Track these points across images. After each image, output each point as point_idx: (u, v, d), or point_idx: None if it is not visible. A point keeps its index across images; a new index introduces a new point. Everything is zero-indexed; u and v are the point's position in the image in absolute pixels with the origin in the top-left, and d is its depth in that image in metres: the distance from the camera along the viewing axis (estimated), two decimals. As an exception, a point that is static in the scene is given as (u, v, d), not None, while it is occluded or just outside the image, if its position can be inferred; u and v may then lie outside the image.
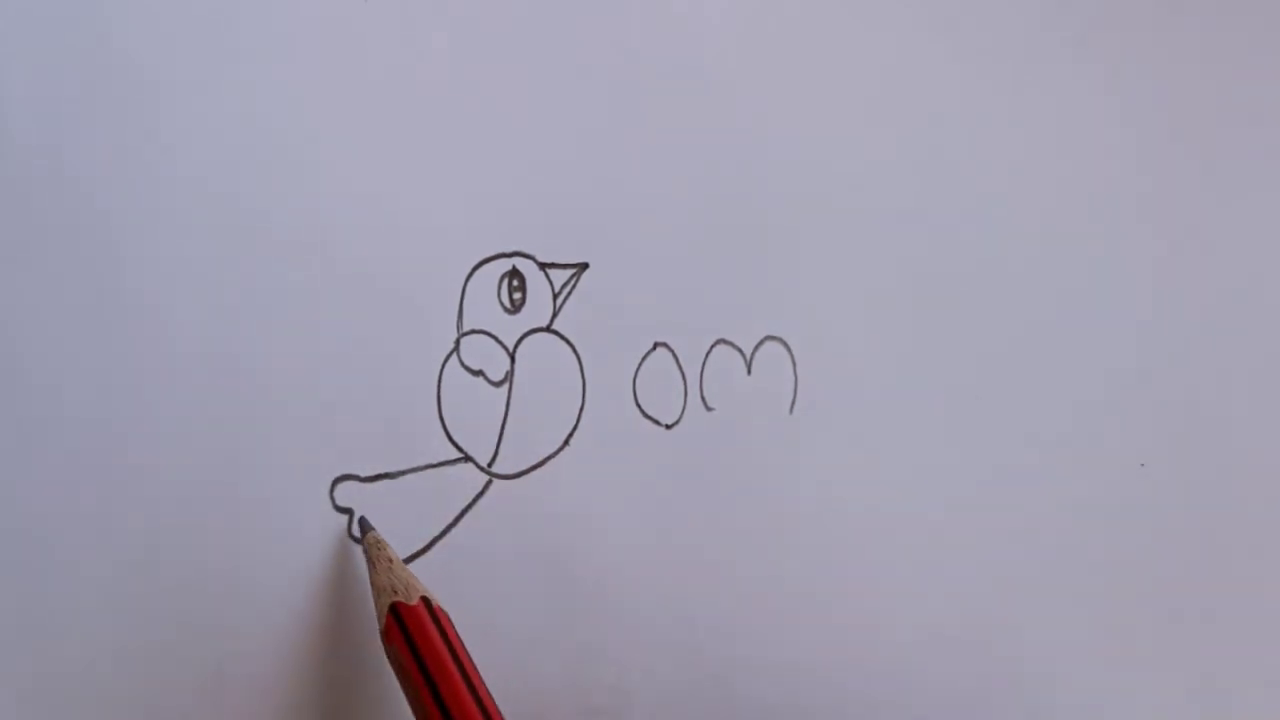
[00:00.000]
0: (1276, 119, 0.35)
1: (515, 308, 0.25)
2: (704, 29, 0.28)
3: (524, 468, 0.25)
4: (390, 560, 0.22)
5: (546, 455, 0.26)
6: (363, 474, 0.23)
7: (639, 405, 0.27)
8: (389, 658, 0.22)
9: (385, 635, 0.22)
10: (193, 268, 0.22)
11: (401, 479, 0.24)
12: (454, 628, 0.22)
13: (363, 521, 0.23)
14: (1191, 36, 0.34)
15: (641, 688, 0.26)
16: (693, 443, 0.27)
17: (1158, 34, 0.33)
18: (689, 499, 0.27)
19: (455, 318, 0.25)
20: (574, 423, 0.26)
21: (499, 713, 0.22)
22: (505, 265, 0.25)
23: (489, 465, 0.25)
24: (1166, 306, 0.33)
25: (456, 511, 0.25)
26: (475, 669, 0.22)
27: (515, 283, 0.25)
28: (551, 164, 0.26)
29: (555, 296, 0.26)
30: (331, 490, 0.23)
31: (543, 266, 0.26)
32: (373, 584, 0.22)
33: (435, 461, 0.24)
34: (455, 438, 0.24)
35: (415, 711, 0.22)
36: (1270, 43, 0.35)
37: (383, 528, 0.23)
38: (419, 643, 0.21)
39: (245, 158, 0.23)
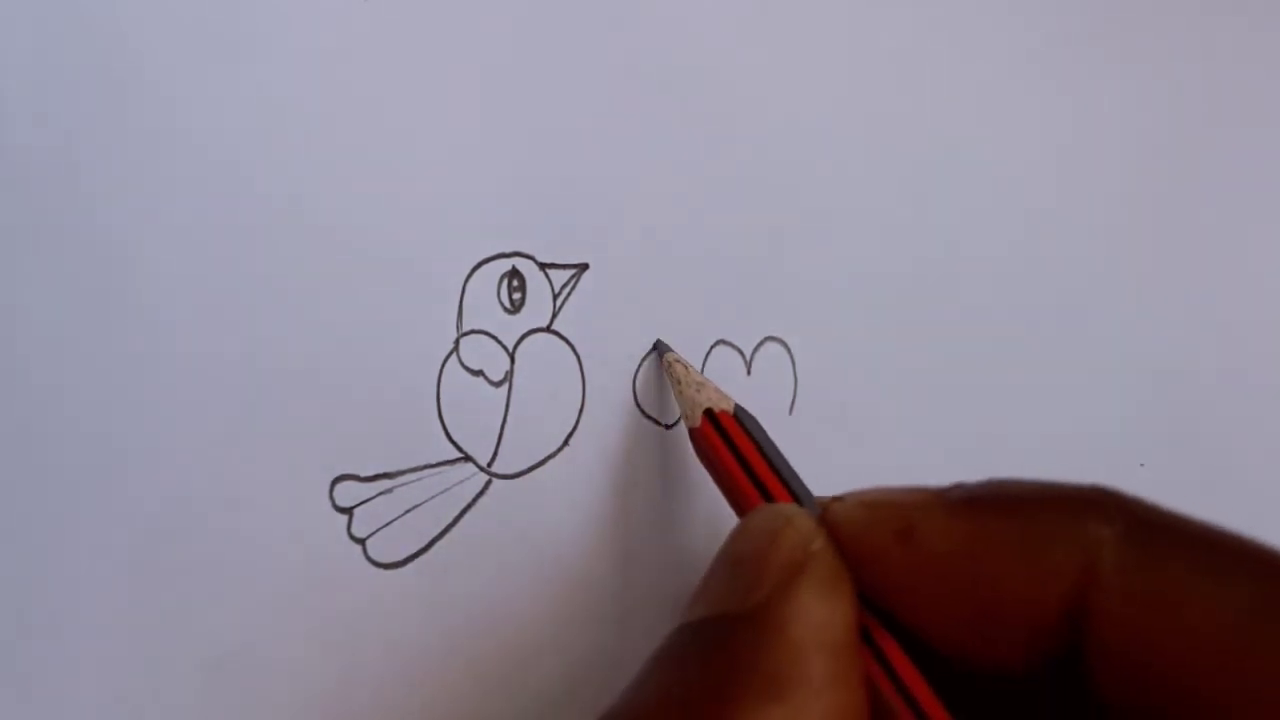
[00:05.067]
0: (1277, 119, 0.35)
1: (515, 308, 0.25)
2: (705, 29, 0.28)
3: (524, 468, 0.25)
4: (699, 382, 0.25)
5: (546, 455, 0.26)
6: (362, 474, 0.23)
7: (639, 405, 0.27)
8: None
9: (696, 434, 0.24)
10: (191, 268, 0.22)
11: (401, 479, 0.24)
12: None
13: (660, 344, 0.26)
14: (1192, 36, 0.34)
15: (641, 688, 0.26)
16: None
17: (1158, 35, 0.33)
18: (689, 499, 0.27)
19: (455, 318, 0.25)
20: (574, 423, 0.26)
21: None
22: (505, 265, 0.25)
23: (489, 465, 0.25)
24: (1167, 307, 0.33)
25: (456, 511, 0.25)
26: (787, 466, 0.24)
27: (515, 283, 0.25)
28: (551, 164, 0.26)
29: (555, 296, 0.26)
30: (331, 490, 0.23)
31: (543, 266, 0.26)
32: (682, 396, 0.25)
33: (435, 461, 0.24)
34: (455, 438, 0.24)
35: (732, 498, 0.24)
36: (1271, 42, 0.35)
37: (382, 527, 0.23)
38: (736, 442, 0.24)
39: (242, 159, 0.23)
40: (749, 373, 0.28)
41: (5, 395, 0.21)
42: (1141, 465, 0.33)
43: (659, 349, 0.27)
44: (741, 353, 0.28)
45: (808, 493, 0.22)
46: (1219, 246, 0.34)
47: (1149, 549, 0.16)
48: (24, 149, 0.21)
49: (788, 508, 0.21)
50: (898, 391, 0.30)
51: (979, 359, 0.31)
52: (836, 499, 0.20)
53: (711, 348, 0.28)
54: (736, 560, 0.19)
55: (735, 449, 0.23)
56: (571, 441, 0.26)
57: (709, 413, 0.24)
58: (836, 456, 0.29)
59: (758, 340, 0.28)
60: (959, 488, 0.19)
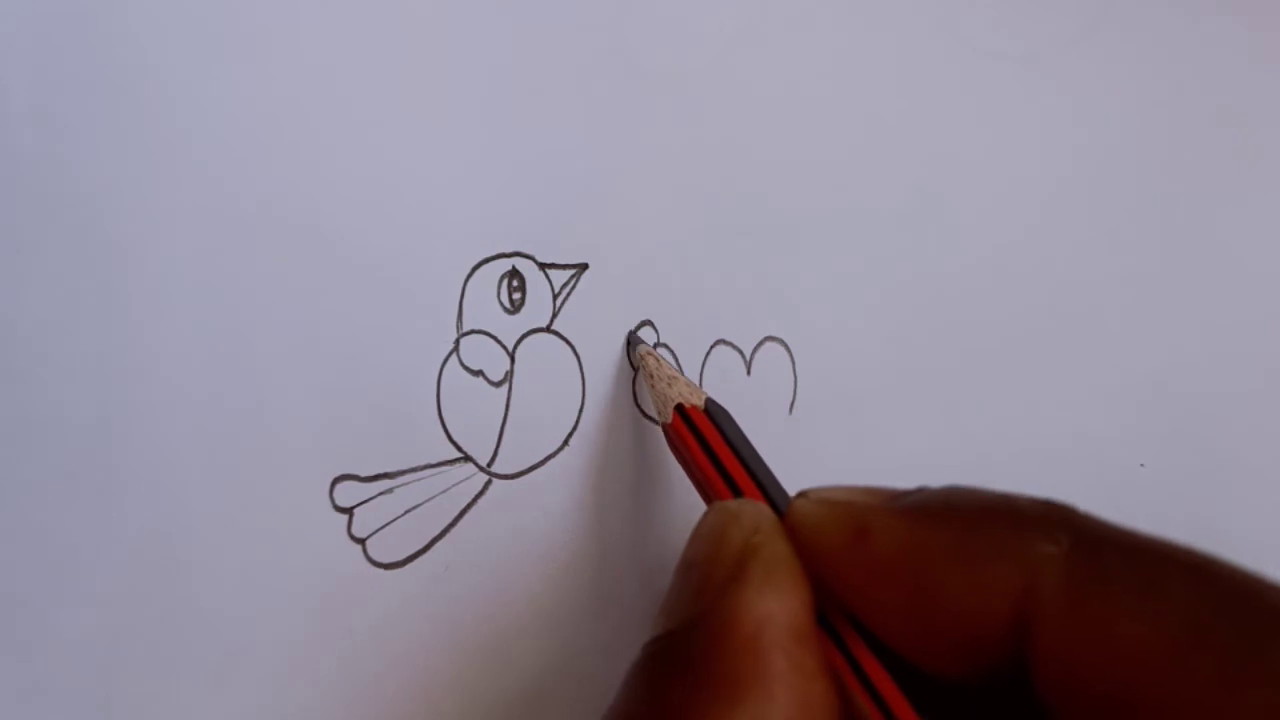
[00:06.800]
0: (1277, 119, 0.35)
1: (515, 308, 0.25)
2: (705, 29, 0.28)
3: (524, 468, 0.25)
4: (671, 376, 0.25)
5: (546, 455, 0.26)
6: (362, 474, 0.23)
7: (639, 405, 0.27)
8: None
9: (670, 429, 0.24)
10: (191, 268, 0.22)
11: (401, 479, 0.24)
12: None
13: (632, 336, 0.26)
14: (1192, 36, 0.34)
15: (641, 688, 0.26)
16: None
17: (1158, 35, 0.33)
18: (689, 499, 0.27)
19: (455, 318, 0.25)
20: (574, 423, 0.26)
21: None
22: (505, 265, 0.25)
23: (489, 465, 0.25)
24: (1166, 306, 0.33)
25: (456, 511, 0.25)
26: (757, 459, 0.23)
27: (515, 283, 0.25)
28: (551, 164, 0.26)
29: (555, 296, 0.26)
30: (331, 490, 0.23)
31: (543, 266, 0.26)
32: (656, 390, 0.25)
33: (435, 461, 0.24)
34: (455, 438, 0.24)
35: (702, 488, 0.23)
36: (1271, 42, 0.35)
37: (382, 528, 0.23)
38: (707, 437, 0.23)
39: (243, 158, 0.23)
40: (749, 373, 0.28)
41: (5, 395, 0.21)
42: (1142, 465, 0.33)
43: (631, 341, 0.26)
44: (741, 353, 0.28)
45: (780, 489, 0.22)
46: (1219, 246, 0.34)
47: (1092, 567, 0.16)
48: (24, 149, 0.21)
49: (735, 504, 0.21)
50: (897, 391, 0.30)
51: (979, 359, 0.31)
52: (801, 494, 0.20)
53: (711, 348, 0.28)
54: (688, 566, 0.19)
55: (706, 444, 0.23)
56: (571, 441, 0.26)
57: (680, 408, 0.24)
58: (836, 456, 0.29)
59: (758, 340, 0.28)
60: (917, 492, 0.19)
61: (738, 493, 0.22)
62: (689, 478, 0.24)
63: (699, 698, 0.16)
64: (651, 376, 0.25)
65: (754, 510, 0.20)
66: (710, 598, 0.18)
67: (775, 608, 0.18)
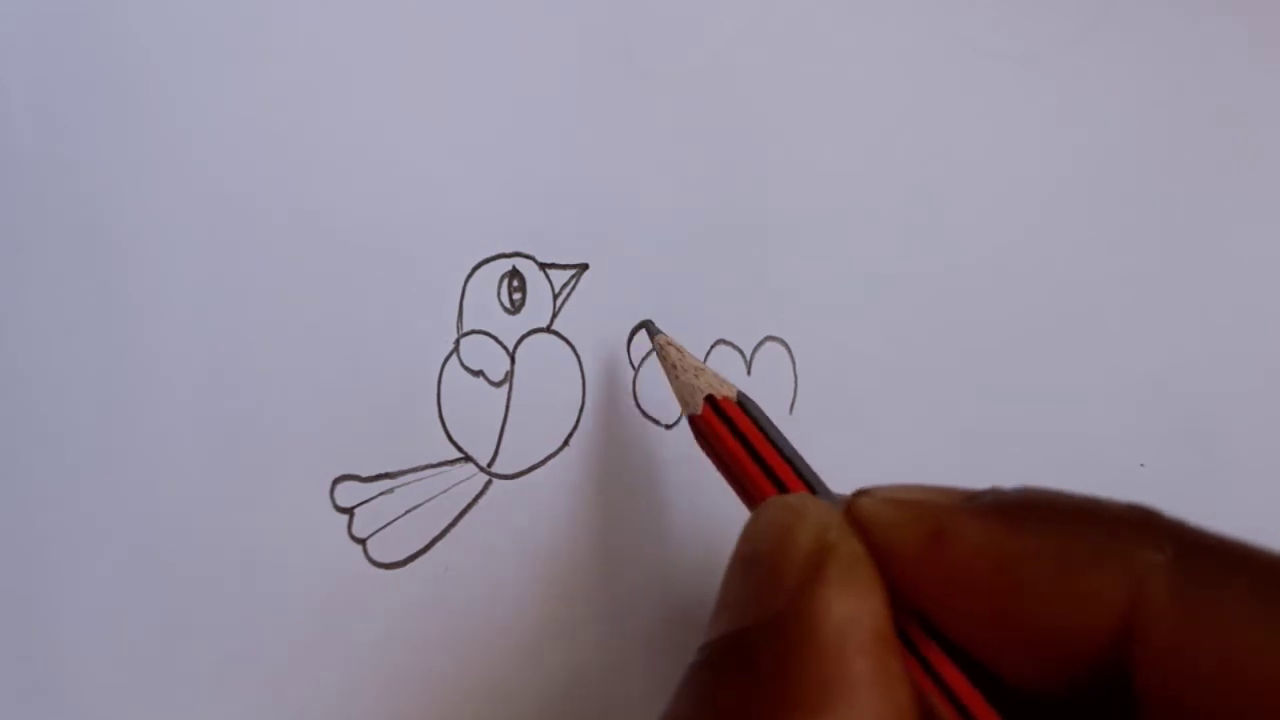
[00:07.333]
0: (1277, 119, 0.35)
1: (515, 308, 0.25)
2: (705, 29, 0.28)
3: (524, 468, 0.25)
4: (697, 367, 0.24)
5: (546, 455, 0.26)
6: (363, 474, 0.23)
7: (639, 405, 0.27)
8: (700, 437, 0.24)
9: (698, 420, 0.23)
10: (192, 268, 0.22)
11: (402, 479, 0.24)
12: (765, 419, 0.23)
13: (649, 325, 0.26)
14: (1192, 37, 0.34)
15: (642, 690, 0.26)
16: (693, 443, 0.27)
17: (1158, 35, 0.33)
18: (689, 499, 0.27)
19: (455, 318, 0.25)
20: (574, 423, 0.26)
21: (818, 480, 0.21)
22: (505, 265, 0.25)
23: (489, 465, 0.25)
24: (1166, 306, 0.33)
25: (456, 511, 0.25)
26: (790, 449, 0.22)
27: (515, 283, 0.25)
28: (551, 164, 0.26)
29: (555, 296, 0.26)
30: (332, 490, 0.23)
31: (543, 266, 0.26)
32: (678, 383, 0.24)
33: (435, 461, 0.24)
34: (455, 438, 0.24)
35: (738, 484, 0.22)
36: (1271, 42, 0.35)
37: (383, 528, 0.23)
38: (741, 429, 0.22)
39: (244, 157, 0.23)
40: (749, 373, 0.28)
41: (5, 395, 0.21)
42: (1142, 465, 0.33)
43: (648, 329, 0.26)
44: (741, 353, 0.28)
45: (822, 483, 0.21)
46: (1219, 246, 0.34)
47: (1200, 576, 0.15)
48: (24, 149, 0.21)
49: (796, 497, 0.19)
50: (898, 391, 0.30)
51: (979, 358, 0.31)
52: (863, 492, 0.18)
53: (711, 348, 0.28)
54: (750, 562, 0.18)
55: (742, 437, 0.22)
56: (571, 441, 0.26)
57: (710, 399, 0.23)
58: (837, 456, 0.29)
59: (758, 340, 0.28)
60: (992, 493, 0.17)
61: (781, 487, 0.21)
62: (719, 470, 0.23)
63: (779, 704, 0.15)
64: (675, 368, 0.24)
65: (818, 506, 0.18)
66: (786, 597, 0.17)
67: (859, 609, 0.16)
